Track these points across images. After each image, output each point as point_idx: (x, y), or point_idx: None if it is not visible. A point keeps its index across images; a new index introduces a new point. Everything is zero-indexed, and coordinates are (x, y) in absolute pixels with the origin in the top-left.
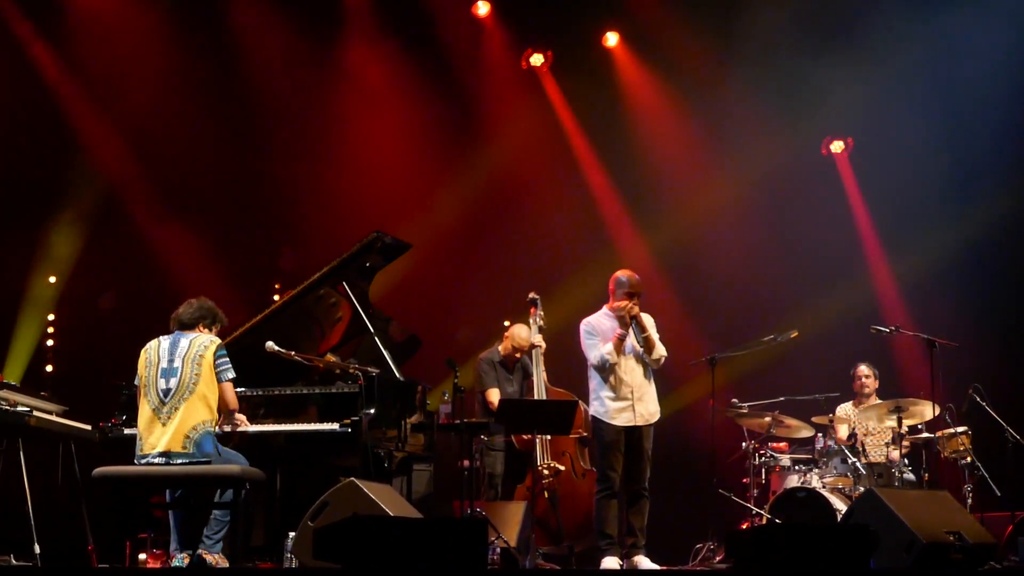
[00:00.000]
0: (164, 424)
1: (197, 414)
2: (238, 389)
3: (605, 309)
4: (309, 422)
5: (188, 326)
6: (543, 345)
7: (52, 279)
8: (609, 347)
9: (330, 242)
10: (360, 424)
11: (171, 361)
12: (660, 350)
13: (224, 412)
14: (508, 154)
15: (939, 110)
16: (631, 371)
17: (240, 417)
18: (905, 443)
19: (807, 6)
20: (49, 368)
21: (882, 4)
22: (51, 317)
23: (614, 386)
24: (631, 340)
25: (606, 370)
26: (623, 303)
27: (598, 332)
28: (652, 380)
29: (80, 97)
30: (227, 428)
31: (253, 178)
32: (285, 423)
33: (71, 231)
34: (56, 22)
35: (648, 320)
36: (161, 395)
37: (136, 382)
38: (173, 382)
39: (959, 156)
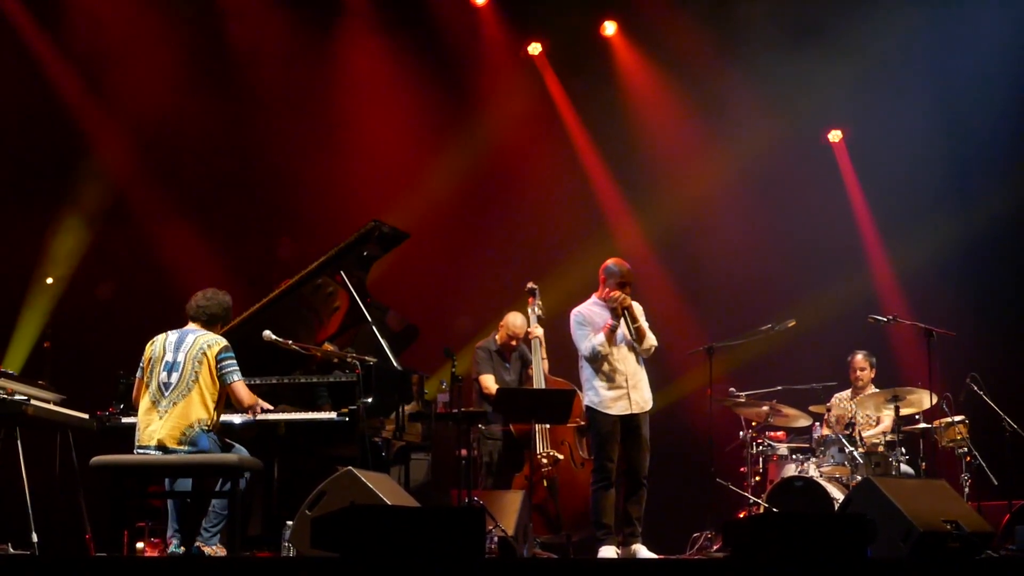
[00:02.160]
0: (161, 417)
1: (194, 412)
2: None
3: (595, 298)
4: (307, 411)
5: (215, 322)
6: (541, 332)
7: (53, 269)
8: (601, 338)
9: (328, 231)
10: (358, 413)
11: (175, 356)
12: (651, 340)
13: (240, 409)
14: (506, 143)
15: (937, 99)
16: (624, 359)
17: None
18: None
19: None
20: (47, 357)
21: None
22: (51, 307)
23: (608, 375)
24: (622, 329)
25: (599, 360)
26: (616, 293)
27: (589, 322)
28: (643, 367)
29: (78, 88)
30: (250, 417)
31: (251, 168)
32: (282, 412)
33: (72, 223)
34: (55, 16)
35: (638, 309)
36: (162, 388)
37: (139, 373)
38: (174, 377)
39: (957, 145)
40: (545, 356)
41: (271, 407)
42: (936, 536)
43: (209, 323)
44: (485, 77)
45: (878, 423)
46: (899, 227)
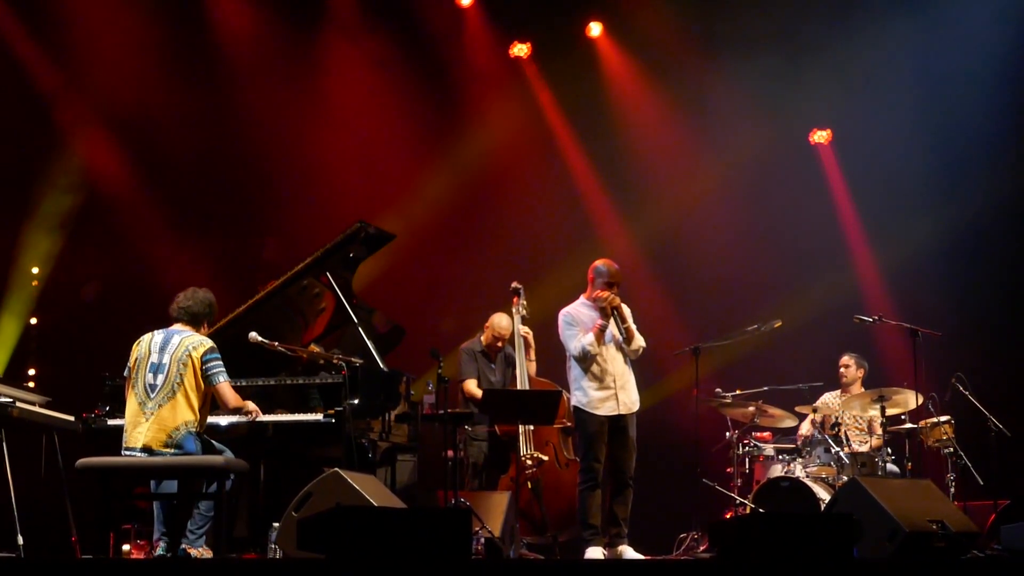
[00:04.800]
0: (147, 419)
1: (180, 414)
2: None
3: (583, 299)
4: (293, 413)
5: (199, 320)
6: (530, 332)
7: (35, 270)
8: (590, 337)
9: (313, 233)
10: (344, 414)
11: (160, 357)
12: (639, 341)
13: (226, 411)
14: (491, 144)
15: (921, 99)
16: (612, 360)
17: (251, 407)
18: (879, 433)
19: None
20: (32, 359)
21: None
22: (34, 308)
23: (597, 375)
24: (611, 329)
25: (588, 360)
26: (604, 293)
27: (578, 322)
28: (631, 368)
29: (59, 86)
30: (242, 419)
31: (236, 168)
32: (269, 414)
33: (52, 223)
34: (37, 10)
35: (626, 310)
36: (147, 389)
37: (126, 372)
38: (160, 378)
39: (941, 145)
40: (533, 358)
41: (260, 412)
42: (922, 536)
43: (193, 322)
44: (471, 78)
45: (869, 429)
46: (884, 227)
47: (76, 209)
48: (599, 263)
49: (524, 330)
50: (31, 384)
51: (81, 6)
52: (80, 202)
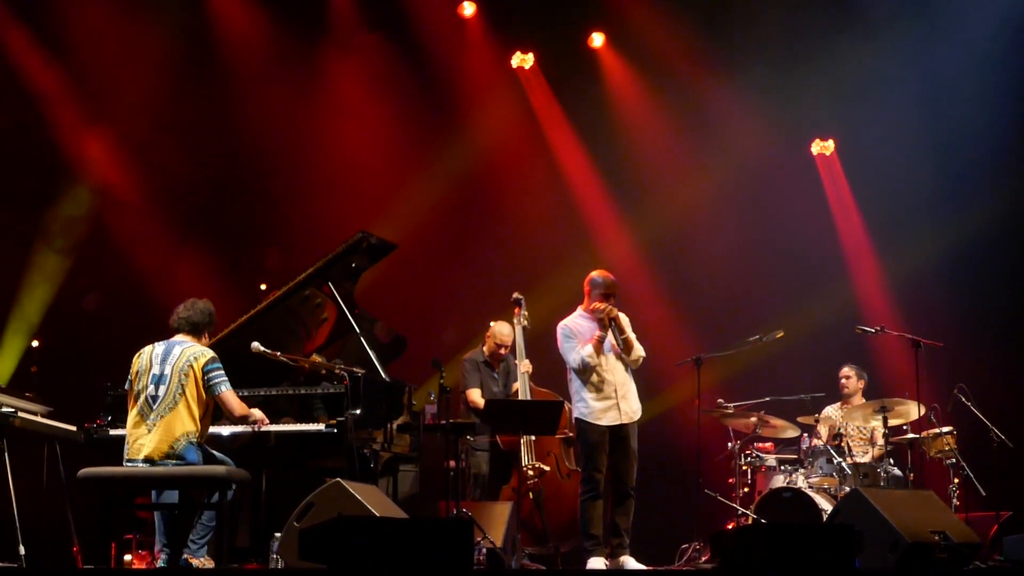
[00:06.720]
0: (149, 431)
1: (181, 425)
2: None
3: (580, 310)
4: (295, 423)
5: (199, 330)
6: (530, 368)
7: (37, 280)
8: (589, 349)
9: (316, 242)
10: (345, 425)
11: (162, 368)
12: (639, 350)
13: (232, 420)
14: (493, 154)
15: (925, 110)
16: (613, 369)
17: (257, 414)
18: (881, 443)
19: (792, 5)
20: (34, 369)
21: (868, 3)
22: (37, 319)
23: (598, 386)
24: (610, 339)
25: (588, 372)
26: (601, 305)
27: (576, 334)
28: (632, 377)
29: (62, 97)
30: (247, 428)
31: (238, 179)
32: (270, 424)
33: (58, 241)
34: (43, 23)
35: (624, 320)
36: (149, 401)
37: (126, 385)
38: (162, 390)
39: (945, 156)
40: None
41: (267, 420)
42: (924, 547)
43: (194, 332)
44: (472, 88)
45: (871, 440)
46: (888, 238)
47: (81, 225)
48: (595, 274)
49: (526, 366)
50: (32, 394)
51: (83, 17)
52: (84, 216)
